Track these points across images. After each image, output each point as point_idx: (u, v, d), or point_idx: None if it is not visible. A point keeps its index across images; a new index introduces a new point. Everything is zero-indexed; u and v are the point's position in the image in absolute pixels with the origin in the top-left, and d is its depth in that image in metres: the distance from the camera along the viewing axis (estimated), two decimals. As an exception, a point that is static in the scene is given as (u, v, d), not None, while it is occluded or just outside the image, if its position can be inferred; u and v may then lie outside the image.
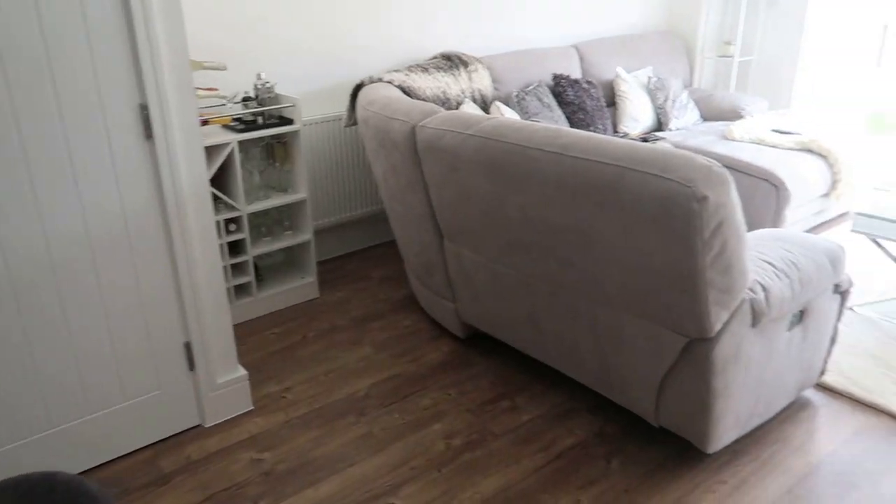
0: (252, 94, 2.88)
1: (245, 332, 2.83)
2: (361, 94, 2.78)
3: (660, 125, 4.10)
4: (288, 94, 2.89)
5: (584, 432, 2.17)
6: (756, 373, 1.89)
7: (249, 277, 2.90)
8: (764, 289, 1.79)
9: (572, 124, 3.66)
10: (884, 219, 2.63)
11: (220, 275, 2.16)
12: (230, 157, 2.69)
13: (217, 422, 2.27)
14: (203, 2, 2.83)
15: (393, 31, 3.42)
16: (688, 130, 3.98)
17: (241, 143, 2.79)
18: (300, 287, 3.07)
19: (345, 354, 2.66)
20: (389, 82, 2.97)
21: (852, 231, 2.72)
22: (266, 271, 3.17)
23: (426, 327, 2.83)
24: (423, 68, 3.27)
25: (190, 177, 2.01)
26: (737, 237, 1.59)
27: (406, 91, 3.03)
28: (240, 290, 2.95)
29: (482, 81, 3.48)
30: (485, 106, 3.44)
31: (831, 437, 2.11)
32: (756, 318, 1.78)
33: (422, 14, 3.50)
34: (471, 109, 3.29)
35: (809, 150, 3.54)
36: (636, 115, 4.01)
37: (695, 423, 1.86)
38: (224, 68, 2.67)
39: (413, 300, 3.07)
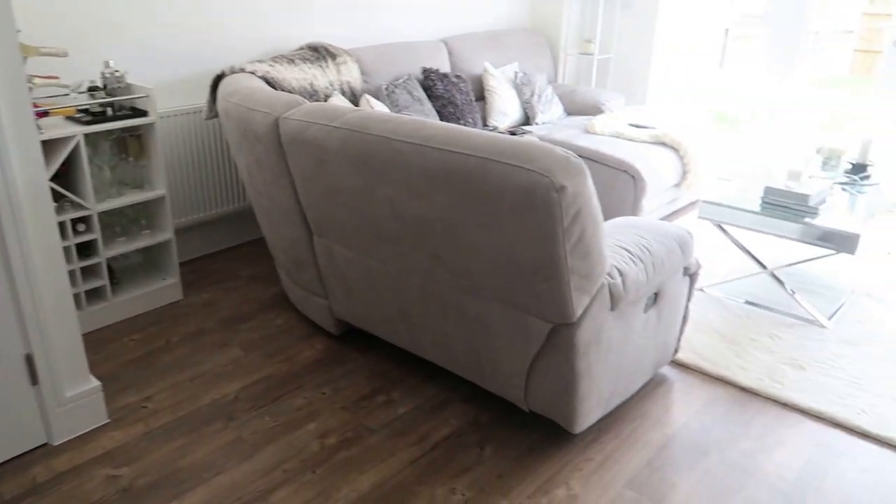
0: (99, 84, 2.67)
1: (100, 340, 2.63)
2: (222, 85, 2.65)
3: (527, 119, 4.23)
4: (141, 84, 2.70)
5: (459, 422, 2.19)
6: (616, 354, 1.99)
7: (103, 281, 2.69)
8: (621, 273, 1.88)
9: (442, 118, 3.70)
10: (726, 206, 2.85)
11: (65, 279, 1.98)
12: (76, 151, 2.48)
13: (67, 438, 2.09)
14: (39, -19, 2.59)
15: (257, 20, 3.29)
16: (553, 124, 4.13)
17: (88, 136, 2.58)
18: (162, 289, 2.89)
19: (212, 358, 2.53)
20: (252, 73, 2.86)
21: (699, 218, 2.93)
22: (123, 274, 2.96)
23: (299, 325, 2.75)
24: (289, 59, 3.18)
25: (25, 173, 1.82)
26: (594, 225, 1.66)
27: (270, 82, 2.93)
28: (93, 295, 2.74)
29: (351, 74, 3.42)
30: (354, 99, 3.40)
31: (685, 409, 2.26)
32: (615, 301, 1.87)
33: (287, 3, 3.40)
34: (340, 102, 3.23)
35: (662, 144, 3.78)
36: (504, 110, 4.11)
37: (561, 405, 1.93)
38: (65, 55, 2.46)
39: (284, 298, 2.98)
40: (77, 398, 2.08)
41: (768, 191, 2.84)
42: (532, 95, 4.19)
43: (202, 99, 3.17)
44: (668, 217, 3.95)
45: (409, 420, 2.20)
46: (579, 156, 3.67)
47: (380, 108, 3.28)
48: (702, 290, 3.04)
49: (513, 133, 3.62)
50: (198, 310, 2.88)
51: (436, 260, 1.92)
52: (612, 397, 2.10)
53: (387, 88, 3.45)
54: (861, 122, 4.75)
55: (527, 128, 4.02)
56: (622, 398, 2.17)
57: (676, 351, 2.44)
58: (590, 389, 1.92)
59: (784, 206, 2.79)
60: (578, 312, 1.76)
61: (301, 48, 3.41)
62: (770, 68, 4.37)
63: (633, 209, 3.57)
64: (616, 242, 2.01)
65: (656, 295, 2.13)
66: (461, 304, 1.99)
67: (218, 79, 2.86)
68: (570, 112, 4.45)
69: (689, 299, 2.36)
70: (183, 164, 3.12)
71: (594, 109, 4.37)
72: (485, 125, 4.05)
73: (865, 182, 3.12)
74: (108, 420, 2.18)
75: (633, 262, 1.95)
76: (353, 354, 2.56)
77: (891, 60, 3.96)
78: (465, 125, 3.73)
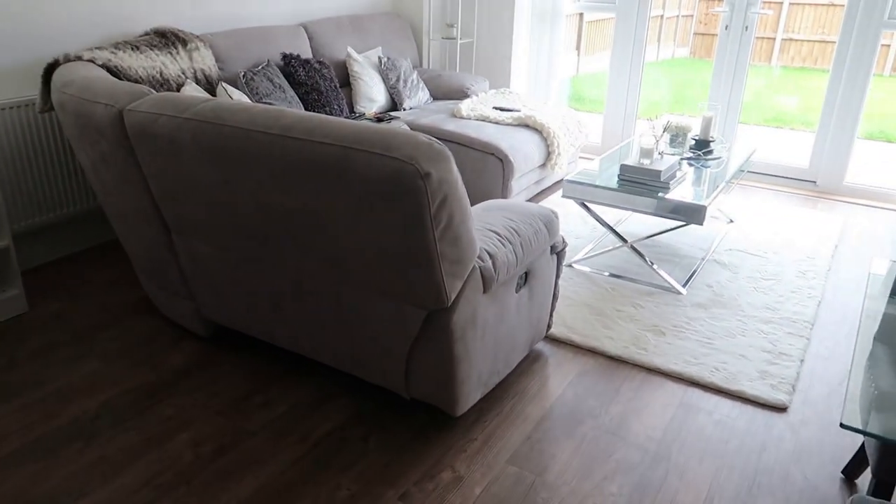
0: None
1: (-71, 365, 2.35)
2: (56, 75, 2.42)
3: (394, 105, 4.20)
4: (-41, 76, 2.42)
5: (342, 416, 2.16)
6: (492, 335, 2.03)
7: (-71, 298, 2.40)
8: (491, 256, 1.91)
9: (307, 105, 3.59)
10: (587, 184, 2.98)
11: None
12: None
13: None
14: None
15: (92, 2, 3.02)
16: (420, 109, 4.14)
17: None
18: (2, 302, 2.62)
19: (67, 373, 2.33)
20: (91, 61, 2.63)
21: (562, 197, 3.04)
22: (-47, 289, 2.65)
23: (164, 330, 2.59)
24: (134, 46, 2.95)
25: None
26: (461, 210, 1.67)
27: (113, 71, 2.71)
28: (-83, 315, 2.43)
29: (205, 61, 3.24)
30: (210, 88, 3.22)
31: (560, 382, 2.36)
32: (487, 284, 1.90)
33: (128, -15, 3.15)
34: (194, 92, 3.05)
35: (526, 126, 3.88)
36: (371, 96, 4.06)
37: (442, 389, 1.94)
38: None
39: (147, 303, 2.79)
40: None
41: (624, 168, 2.99)
42: (398, 81, 4.16)
43: (33, 90, 2.88)
44: (537, 196, 4.08)
45: (290, 419, 2.14)
46: (447, 140, 3.70)
47: (238, 96, 3.13)
48: (571, 265, 3.17)
49: (380, 119, 3.58)
50: (47, 322, 2.64)
51: (305, 253, 1.86)
52: (491, 377, 2.14)
53: (244, 76, 3.30)
54: (703, 101, 5.12)
55: (394, 114, 3.99)
56: (501, 377, 2.22)
57: (549, 327, 2.53)
58: (468, 372, 1.95)
59: (639, 182, 2.96)
60: (452, 297, 1.77)
61: (147, 33, 3.18)
62: (621, 51, 4.61)
63: (503, 191, 3.65)
64: (485, 225, 2.04)
65: (527, 274, 2.19)
66: (335, 296, 1.95)
67: (51, 68, 2.61)
68: (436, 97, 4.47)
69: (557, 276, 2.44)
70: (18, 163, 2.83)
71: (460, 94, 4.41)
72: (352, 112, 3.98)
73: (709, 157, 3.37)
74: (-55, 453, 1.95)
75: (503, 243, 1.99)
76: (227, 356, 2.44)
77: (724, 43, 4.28)
78: (330, 112, 3.65)
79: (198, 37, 3.29)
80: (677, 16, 11.43)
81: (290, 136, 1.67)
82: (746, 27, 4.20)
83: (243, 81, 3.28)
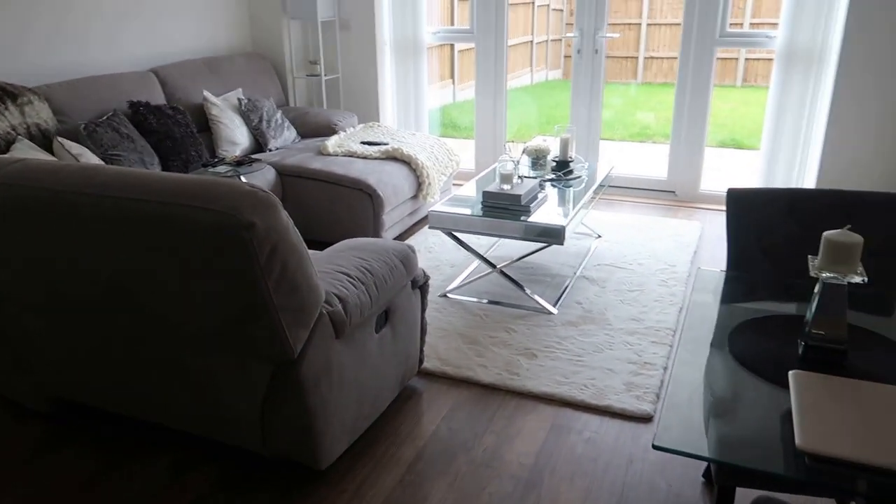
0: None
1: None
2: None
3: (259, 146, 4.09)
4: None
5: (203, 486, 2.02)
6: (352, 380, 1.97)
7: None
8: (340, 299, 1.86)
9: (160, 154, 3.43)
10: (451, 214, 2.99)
11: None
12: None
13: None
14: None
15: None
16: (287, 149, 4.05)
17: None
18: None
19: None
20: None
21: (429, 227, 3.04)
22: None
23: (5, 410, 2.36)
24: (-47, 104, 2.72)
25: None
26: (296, 257, 1.61)
27: (-75, 134, 2.47)
28: None
29: (40, 115, 3.03)
30: (48, 143, 3.01)
31: (433, 418, 2.32)
32: (338, 329, 1.84)
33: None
34: (26, 149, 2.84)
35: (395, 159, 3.88)
36: (233, 139, 3.94)
37: (301, 445, 1.86)
38: None
39: (-17, 383, 2.53)
40: None
41: (486, 195, 3.03)
42: (261, 121, 4.06)
43: None
44: (412, 227, 4.07)
45: (149, 496, 1.97)
46: (314, 179, 3.64)
47: (79, 151, 2.94)
48: (445, 295, 3.16)
49: (240, 163, 3.47)
50: None
51: (139, 316, 1.74)
52: (358, 422, 2.07)
53: (86, 128, 3.11)
54: (562, 122, 5.31)
55: (257, 156, 3.89)
56: (369, 420, 2.16)
57: (422, 361, 2.49)
58: (327, 423, 1.87)
59: (501, 207, 3.00)
60: (298, 348, 1.70)
61: (-30, 90, 2.94)
62: (484, 78, 4.72)
63: (375, 225, 3.62)
64: (334, 268, 1.98)
65: (387, 312, 2.15)
66: (178, 360, 1.83)
67: None
68: (303, 135, 4.39)
69: (423, 310, 2.42)
70: None
71: (328, 130, 4.36)
72: (213, 157, 3.84)
73: (570, 177, 3.47)
74: None
75: (354, 285, 1.94)
76: (74, 434, 2.24)
77: (578, 66, 4.47)
78: (188, 159, 3.50)
79: (30, 89, 3.07)
80: (546, 40, 11.92)
81: (108, 195, 1.56)
82: (596, 50, 4.40)
83: (84, 134, 3.09)
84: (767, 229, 1.97)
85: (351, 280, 1.94)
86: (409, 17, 4.68)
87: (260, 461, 2.11)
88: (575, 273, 3.37)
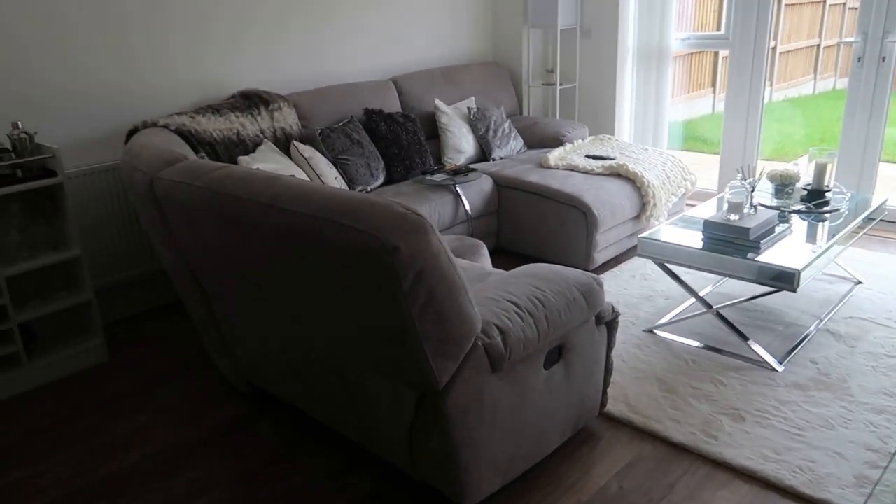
0: (8, 146, 2.62)
1: (8, 411, 2.54)
2: (130, 142, 2.58)
3: (484, 155, 4.10)
4: (50, 144, 2.65)
5: (358, 492, 2.04)
6: (509, 417, 1.83)
7: (15, 347, 2.61)
8: (502, 332, 1.73)
9: (386, 159, 3.59)
10: (663, 242, 2.68)
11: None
12: (-27, 217, 2.42)
13: (-61, 524, 1.98)
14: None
15: (184, 67, 3.23)
16: (510, 159, 4.00)
17: (-7, 200, 2.53)
18: (84, 352, 2.80)
19: (119, 426, 2.42)
20: (165, 126, 2.79)
21: (638, 255, 2.76)
22: (46, 337, 2.88)
23: (216, 387, 2.63)
24: (215, 109, 3.11)
25: None
26: (446, 285, 1.51)
27: (187, 135, 2.86)
28: (6, 362, 2.65)
29: (286, 120, 3.35)
30: (290, 145, 3.31)
31: (605, 471, 2.08)
32: (495, 363, 1.71)
33: (219, 48, 3.34)
34: (269, 150, 3.15)
35: (618, 175, 3.62)
36: (459, 147, 3.99)
37: (445, 476, 1.77)
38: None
39: (208, 358, 2.86)
40: (-54, 481, 1.98)
41: (707, 225, 2.66)
42: (487, 131, 4.07)
43: (118, 155, 3.11)
44: (630, 251, 3.76)
45: (307, 490, 2.05)
46: (529, 192, 3.53)
47: (309, 153, 3.19)
48: (651, 331, 2.85)
49: (457, 172, 3.50)
50: (121, 372, 2.79)
51: (301, 325, 1.79)
52: (515, 462, 1.92)
53: (321, 133, 3.36)
54: (819, 145, 4.52)
55: (480, 164, 3.89)
56: (530, 462, 2.00)
57: (604, 405, 2.26)
58: (476, 458, 1.76)
59: (725, 240, 2.61)
60: (444, 379, 1.60)
61: (233, 96, 3.35)
62: (736, 88, 4.20)
63: (587, 245, 3.41)
64: (503, 295, 1.86)
65: (560, 349, 1.97)
66: (339, 368, 1.85)
67: (131, 133, 2.80)
68: (530, 145, 4.31)
69: (609, 349, 2.18)
70: (102, 224, 3.05)
71: (555, 141, 4.23)
72: (438, 163, 3.93)
73: (823, 210, 2.92)
74: (-13, 501, 2.07)
75: (520, 316, 1.79)
76: (263, 419, 2.42)
77: (857, 76, 3.75)
78: (411, 165, 3.62)
79: (282, 97, 3.41)
80: (837, 44, 10.41)
81: (277, 205, 1.62)
82: (884, 57, 3.66)
83: (319, 138, 3.34)
84: None
85: (518, 311, 1.80)
86: (657, 23, 4.34)
87: (410, 482, 2.06)
88: (817, 325, 2.82)
